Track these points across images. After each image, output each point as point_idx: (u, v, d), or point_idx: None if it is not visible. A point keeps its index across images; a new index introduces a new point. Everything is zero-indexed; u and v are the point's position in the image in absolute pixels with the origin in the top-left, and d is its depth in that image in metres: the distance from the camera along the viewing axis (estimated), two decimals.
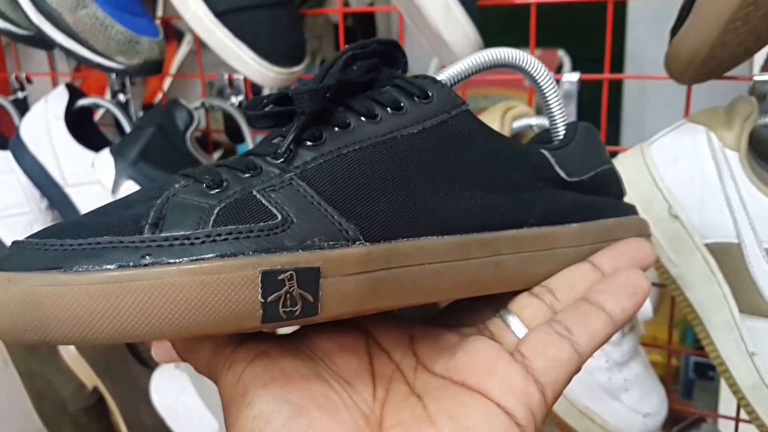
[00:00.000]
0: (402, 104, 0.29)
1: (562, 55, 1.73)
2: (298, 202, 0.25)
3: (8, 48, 0.95)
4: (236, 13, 0.60)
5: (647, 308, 0.58)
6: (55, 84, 0.90)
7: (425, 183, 0.28)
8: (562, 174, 0.33)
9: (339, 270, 0.24)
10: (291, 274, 0.23)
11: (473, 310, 0.32)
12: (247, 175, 0.26)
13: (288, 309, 0.23)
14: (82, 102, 0.72)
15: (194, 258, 0.22)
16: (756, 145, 0.51)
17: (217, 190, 0.25)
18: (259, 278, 0.22)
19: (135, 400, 0.83)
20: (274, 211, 0.24)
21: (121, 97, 0.80)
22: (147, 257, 0.22)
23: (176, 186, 0.25)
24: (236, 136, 0.80)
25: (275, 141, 0.28)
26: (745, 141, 0.49)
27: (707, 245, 0.50)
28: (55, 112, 0.70)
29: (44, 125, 0.69)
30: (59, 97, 0.71)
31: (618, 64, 1.73)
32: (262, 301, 0.23)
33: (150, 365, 0.85)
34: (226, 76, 0.76)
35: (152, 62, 0.66)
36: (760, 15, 0.43)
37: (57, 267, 0.21)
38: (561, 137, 0.35)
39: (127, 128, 0.74)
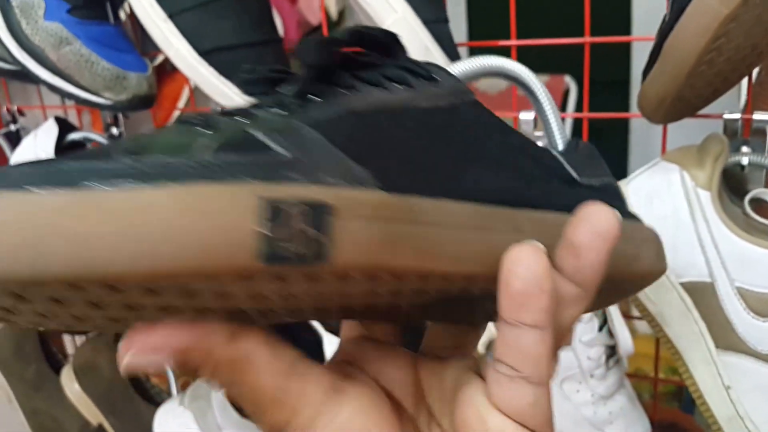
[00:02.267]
0: (410, 81, 0.28)
1: (568, 80, 1.76)
2: (307, 144, 0.22)
3: None
4: (220, 52, 0.62)
5: (628, 344, 0.61)
6: (45, 116, 0.94)
7: (439, 152, 0.26)
8: (574, 174, 0.32)
9: (354, 211, 0.22)
10: (299, 207, 0.20)
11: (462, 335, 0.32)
12: (247, 120, 0.23)
13: (294, 249, 0.20)
14: (73, 136, 0.76)
15: (184, 182, 0.19)
16: (729, 182, 0.54)
17: (211, 132, 0.22)
18: (261, 206, 0.20)
19: None
20: (280, 149, 0.22)
21: (114, 130, 0.84)
22: (130, 180, 0.19)
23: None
24: None
25: (281, 91, 0.26)
26: (716, 180, 0.52)
27: (682, 284, 0.53)
28: (45, 147, 0.74)
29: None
30: (48, 132, 0.75)
31: (624, 87, 1.77)
32: (263, 234, 0.20)
33: (155, 402, 0.87)
34: None
35: (141, 97, 0.69)
36: (724, 59, 0.46)
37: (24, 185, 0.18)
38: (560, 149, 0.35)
39: None
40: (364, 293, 0.24)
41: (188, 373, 0.24)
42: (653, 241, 0.33)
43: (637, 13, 1.71)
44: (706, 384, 0.54)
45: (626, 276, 0.31)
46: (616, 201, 0.33)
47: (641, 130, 1.75)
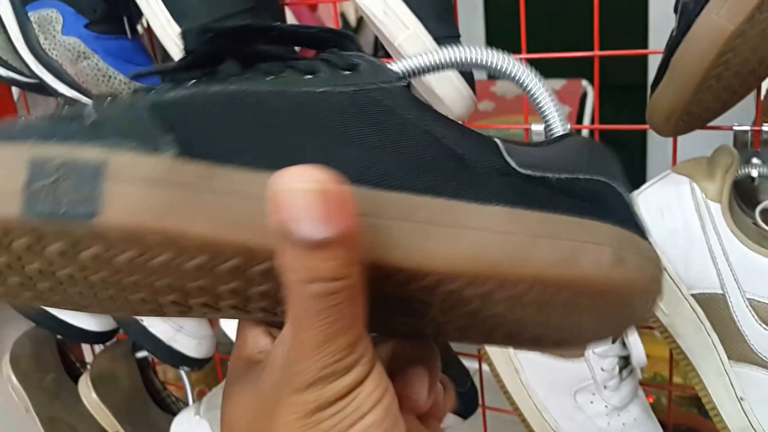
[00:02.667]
0: (320, 71, 0.28)
1: (585, 84, 1.77)
2: (120, 112, 0.24)
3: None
4: None
5: (641, 355, 0.61)
6: None
7: (301, 131, 0.26)
8: (512, 162, 0.29)
9: (131, 173, 0.22)
10: (67, 167, 0.21)
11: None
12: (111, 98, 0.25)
13: (55, 203, 0.21)
14: None
15: None
16: (740, 194, 0.55)
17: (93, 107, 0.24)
18: (27, 165, 0.21)
19: None
20: (91, 116, 0.23)
21: None
22: None
23: None
24: None
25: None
26: (727, 192, 0.52)
27: (694, 295, 0.53)
28: None
29: None
30: None
31: (642, 90, 1.76)
32: (25, 189, 0.21)
33: (172, 411, 0.88)
34: None
35: None
36: (732, 73, 0.47)
37: None
38: None
39: None
40: (172, 271, 0.23)
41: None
42: (614, 241, 0.28)
43: (654, 18, 1.72)
44: (719, 396, 0.54)
45: (571, 281, 0.26)
46: (603, 202, 0.30)
47: (658, 138, 1.74)
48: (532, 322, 0.28)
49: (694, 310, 0.54)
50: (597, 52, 0.61)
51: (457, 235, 0.25)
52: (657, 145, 1.78)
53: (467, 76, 0.59)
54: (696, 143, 0.60)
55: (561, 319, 0.28)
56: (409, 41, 0.57)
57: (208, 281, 0.24)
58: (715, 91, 0.48)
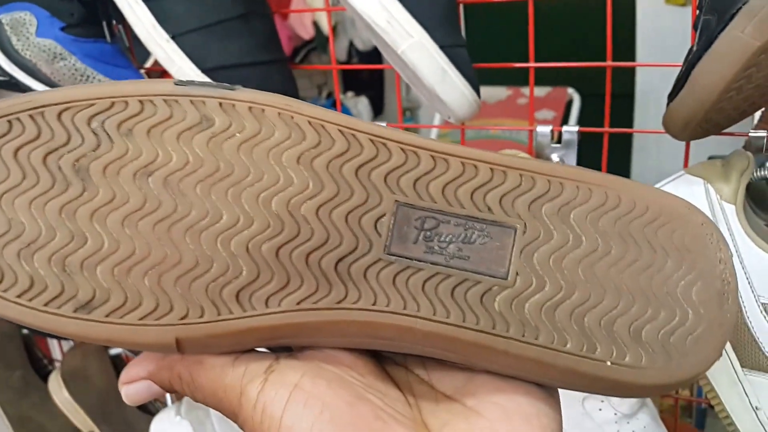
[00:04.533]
0: None
1: (571, 92, 1.79)
2: None
3: None
4: (224, 70, 0.63)
5: None
6: None
7: None
8: None
9: None
10: None
11: None
12: None
13: None
14: None
15: None
16: (753, 197, 0.56)
17: None
18: None
19: None
20: None
21: None
22: None
23: None
24: None
25: None
26: (741, 194, 0.53)
27: None
28: None
29: None
30: None
31: (629, 100, 1.80)
32: None
33: (150, 411, 0.87)
34: None
35: None
36: (753, 86, 0.48)
37: None
38: None
39: None
40: None
41: (171, 391, 0.30)
42: None
43: (642, 29, 1.75)
44: (733, 405, 0.54)
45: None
46: None
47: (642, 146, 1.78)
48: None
49: None
50: (609, 63, 0.62)
51: None
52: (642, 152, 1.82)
53: (472, 80, 0.59)
54: (704, 146, 0.62)
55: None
56: (414, 48, 0.57)
57: None
58: (735, 102, 0.49)
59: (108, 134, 0.27)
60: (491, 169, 0.28)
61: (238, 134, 0.28)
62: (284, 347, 0.31)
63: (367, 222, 0.28)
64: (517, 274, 0.28)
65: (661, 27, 1.60)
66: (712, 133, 0.54)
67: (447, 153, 0.29)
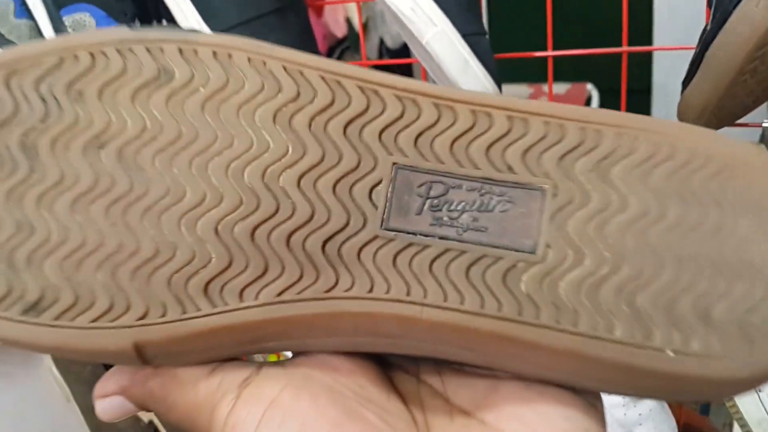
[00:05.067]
0: None
1: (590, 88, 1.79)
2: None
3: None
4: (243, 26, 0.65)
5: None
6: None
7: None
8: None
9: None
10: None
11: None
12: None
13: None
14: None
15: None
16: None
17: None
18: None
19: None
20: None
21: None
22: None
23: None
24: None
25: None
26: None
27: None
28: None
29: None
30: None
31: (646, 96, 1.79)
32: None
33: None
34: None
35: None
36: (767, 68, 0.49)
37: None
38: None
39: None
40: None
41: (144, 410, 0.26)
42: None
43: (659, 20, 1.75)
44: None
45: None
46: None
47: None
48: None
49: None
50: (625, 48, 0.63)
51: None
52: None
53: (494, 73, 0.61)
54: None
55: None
56: (437, 38, 0.59)
57: None
58: (749, 85, 0.50)
59: (57, 100, 0.23)
60: (509, 118, 0.23)
61: (201, 89, 0.24)
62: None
63: (359, 191, 0.23)
64: (547, 246, 0.22)
65: (678, 13, 1.59)
66: (726, 124, 0.55)
67: (453, 99, 0.24)
